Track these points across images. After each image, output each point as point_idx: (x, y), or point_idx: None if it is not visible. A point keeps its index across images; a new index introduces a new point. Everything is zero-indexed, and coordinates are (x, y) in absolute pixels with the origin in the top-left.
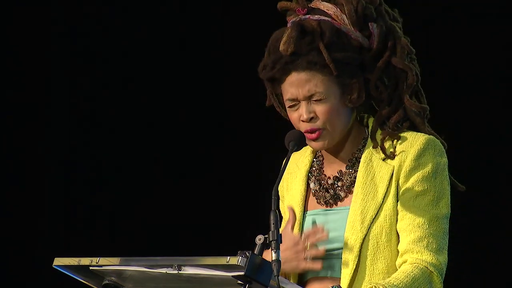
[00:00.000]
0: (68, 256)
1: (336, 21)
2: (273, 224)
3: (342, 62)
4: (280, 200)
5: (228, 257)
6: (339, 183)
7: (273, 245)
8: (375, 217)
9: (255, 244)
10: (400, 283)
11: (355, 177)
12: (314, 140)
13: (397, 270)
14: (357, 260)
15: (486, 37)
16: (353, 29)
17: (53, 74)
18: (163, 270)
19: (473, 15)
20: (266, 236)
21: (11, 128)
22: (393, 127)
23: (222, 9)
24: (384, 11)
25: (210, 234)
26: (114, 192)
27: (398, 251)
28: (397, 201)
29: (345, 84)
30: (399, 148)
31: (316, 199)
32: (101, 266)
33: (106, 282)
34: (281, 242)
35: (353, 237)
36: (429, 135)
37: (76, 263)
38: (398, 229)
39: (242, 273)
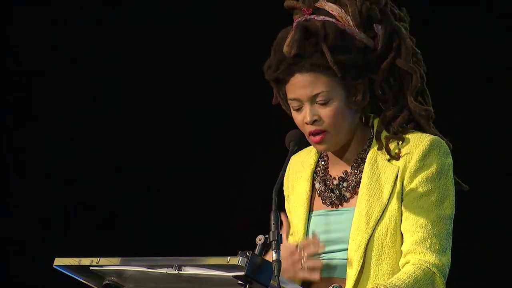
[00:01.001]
0: (69, 256)
1: (340, 22)
2: (274, 224)
3: (346, 64)
4: (285, 200)
5: (229, 257)
6: (344, 184)
7: (273, 245)
8: (380, 218)
9: (256, 244)
10: (402, 284)
11: (360, 178)
12: (318, 143)
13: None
14: (362, 261)
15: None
16: (357, 30)
17: (53, 74)
18: (164, 270)
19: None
20: (267, 236)
21: (11, 128)
22: (398, 128)
23: (224, 8)
24: (390, 12)
25: (210, 234)
26: (114, 192)
27: (402, 252)
28: (402, 202)
29: (350, 86)
30: (404, 149)
31: (322, 199)
32: (101, 266)
33: (107, 282)
34: (281, 242)
35: (358, 238)
36: (434, 135)
37: (76, 263)
38: (402, 230)
39: (243, 273)
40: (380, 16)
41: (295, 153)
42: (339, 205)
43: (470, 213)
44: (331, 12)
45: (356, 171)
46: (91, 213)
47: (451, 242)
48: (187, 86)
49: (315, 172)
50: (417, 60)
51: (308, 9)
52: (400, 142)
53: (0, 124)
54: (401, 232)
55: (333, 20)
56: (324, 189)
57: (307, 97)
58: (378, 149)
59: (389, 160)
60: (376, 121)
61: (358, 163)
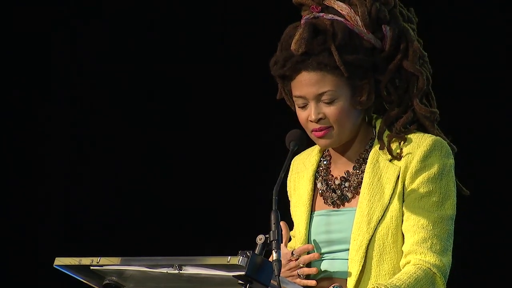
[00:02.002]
0: (69, 256)
1: (349, 22)
2: (274, 224)
3: (353, 64)
4: (290, 202)
5: (229, 257)
6: (346, 184)
7: (273, 245)
8: (381, 218)
9: (256, 244)
10: (402, 284)
11: (362, 178)
12: (321, 137)
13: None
14: (363, 261)
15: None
16: (365, 30)
17: (53, 73)
18: (164, 270)
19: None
20: (267, 236)
21: (11, 128)
22: (401, 129)
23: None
24: (399, 13)
25: (210, 234)
26: (114, 192)
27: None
28: (403, 202)
29: (356, 86)
30: (406, 149)
31: (323, 199)
32: (102, 266)
33: (107, 282)
34: (281, 242)
35: (359, 238)
36: (436, 136)
37: (77, 263)
38: (403, 230)
39: (243, 273)
40: (389, 17)
41: (296, 153)
42: (341, 205)
43: (471, 213)
44: (340, 11)
45: (358, 171)
46: (91, 213)
47: (452, 243)
48: (184, 85)
49: (317, 171)
50: (424, 63)
51: (317, 6)
52: (402, 142)
53: (0, 124)
54: (402, 232)
55: (342, 19)
56: (326, 189)
57: (313, 95)
58: (379, 149)
59: (390, 160)
60: (378, 122)
61: (360, 163)
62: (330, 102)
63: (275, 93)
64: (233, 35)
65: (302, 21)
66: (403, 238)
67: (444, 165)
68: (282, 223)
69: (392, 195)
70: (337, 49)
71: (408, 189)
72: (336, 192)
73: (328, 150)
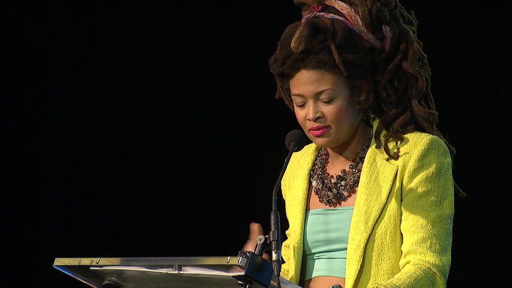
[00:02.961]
0: (69, 256)
1: (349, 21)
2: (274, 224)
3: (353, 63)
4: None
5: (229, 257)
6: (342, 183)
7: (273, 245)
8: (379, 217)
9: (256, 244)
10: (402, 284)
11: (358, 177)
12: (318, 136)
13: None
14: (361, 260)
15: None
16: (366, 30)
17: (53, 73)
18: (164, 270)
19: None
20: (267, 236)
21: (11, 128)
22: (398, 129)
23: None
24: (399, 14)
25: (210, 234)
26: (114, 192)
27: (402, 252)
28: (401, 201)
29: (354, 85)
30: (403, 148)
31: (319, 197)
32: (101, 266)
33: (107, 282)
34: (281, 242)
35: (357, 237)
36: (433, 135)
37: (76, 263)
38: (401, 230)
39: (243, 273)
40: (389, 18)
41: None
42: (337, 204)
43: (470, 212)
44: (340, 10)
45: (354, 169)
46: (91, 213)
47: (451, 242)
48: (183, 85)
49: (312, 170)
50: (423, 64)
51: (318, 6)
52: (399, 142)
53: (0, 124)
54: (401, 232)
55: (342, 18)
56: (322, 187)
57: (311, 93)
58: (376, 148)
59: (387, 160)
60: (376, 122)
61: (357, 162)
62: (328, 101)
63: (274, 92)
64: (232, 35)
65: (303, 20)
66: (401, 238)
67: (442, 164)
68: (255, 225)
69: (389, 194)
70: (337, 48)
71: (406, 189)
72: (332, 191)
73: (325, 149)
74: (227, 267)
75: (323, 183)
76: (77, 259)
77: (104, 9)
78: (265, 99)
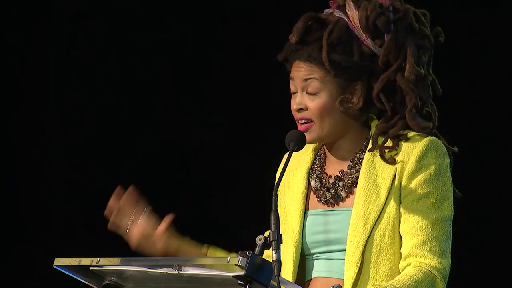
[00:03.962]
0: (69, 256)
1: (352, 23)
2: (274, 224)
3: (341, 64)
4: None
5: (229, 257)
6: (340, 183)
7: (273, 245)
8: (377, 219)
9: (256, 244)
10: (403, 286)
11: (356, 178)
12: (304, 131)
13: (400, 273)
14: (360, 262)
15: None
16: (365, 35)
17: (53, 73)
18: (164, 270)
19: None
20: (267, 236)
21: (11, 128)
22: (394, 137)
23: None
24: (409, 27)
25: (210, 234)
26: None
27: (401, 254)
28: (400, 203)
29: (344, 86)
30: (401, 149)
31: (317, 197)
32: (101, 266)
33: (107, 282)
34: (281, 243)
35: (356, 239)
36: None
37: (76, 263)
38: (401, 232)
39: (243, 273)
40: (391, 27)
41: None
42: (335, 204)
43: (469, 213)
44: (347, 11)
45: (352, 170)
46: (91, 213)
47: (450, 244)
48: (182, 85)
49: (311, 169)
50: (424, 84)
51: (335, 3)
52: (397, 143)
53: (0, 124)
54: (400, 234)
55: (347, 19)
56: (320, 187)
57: (299, 84)
58: (370, 151)
59: (386, 161)
60: (374, 123)
61: (355, 163)
62: (313, 94)
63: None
64: (233, 35)
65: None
66: (400, 240)
67: (440, 165)
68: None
69: (388, 195)
70: (328, 46)
71: (405, 191)
72: (329, 191)
73: (323, 149)
74: (227, 267)
75: (321, 183)
76: (77, 259)
77: (104, 9)
78: (265, 99)
